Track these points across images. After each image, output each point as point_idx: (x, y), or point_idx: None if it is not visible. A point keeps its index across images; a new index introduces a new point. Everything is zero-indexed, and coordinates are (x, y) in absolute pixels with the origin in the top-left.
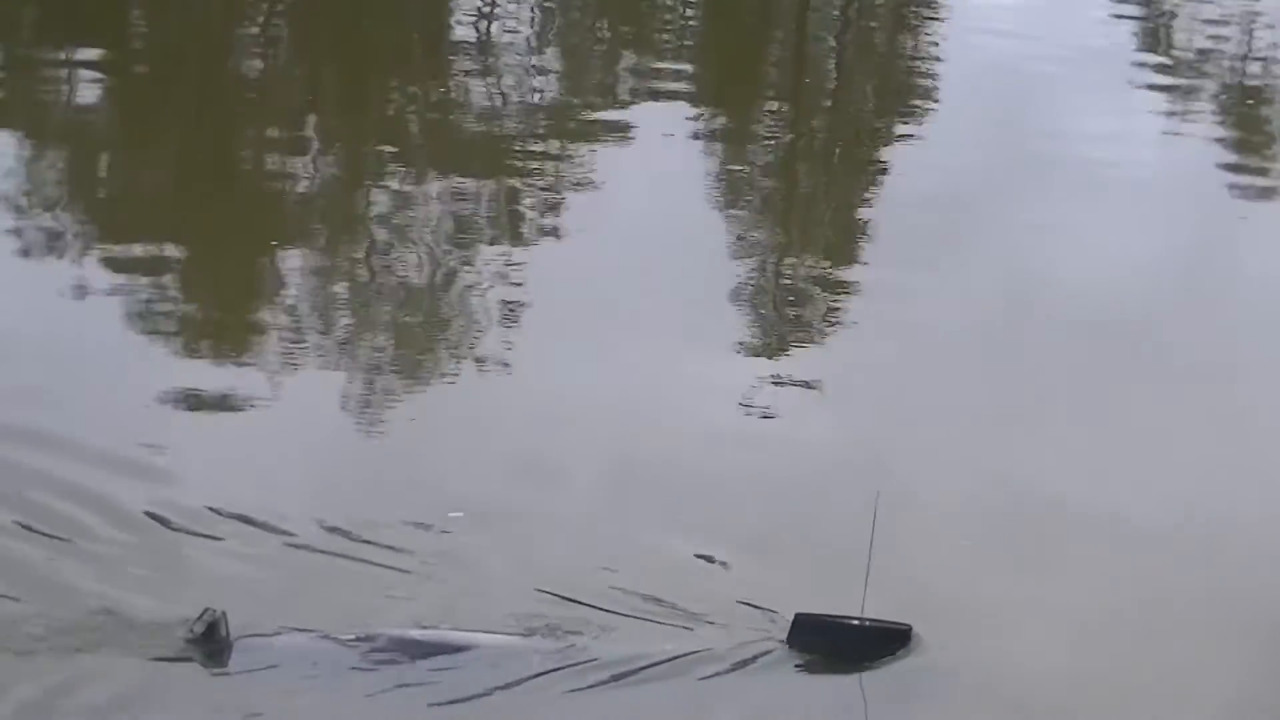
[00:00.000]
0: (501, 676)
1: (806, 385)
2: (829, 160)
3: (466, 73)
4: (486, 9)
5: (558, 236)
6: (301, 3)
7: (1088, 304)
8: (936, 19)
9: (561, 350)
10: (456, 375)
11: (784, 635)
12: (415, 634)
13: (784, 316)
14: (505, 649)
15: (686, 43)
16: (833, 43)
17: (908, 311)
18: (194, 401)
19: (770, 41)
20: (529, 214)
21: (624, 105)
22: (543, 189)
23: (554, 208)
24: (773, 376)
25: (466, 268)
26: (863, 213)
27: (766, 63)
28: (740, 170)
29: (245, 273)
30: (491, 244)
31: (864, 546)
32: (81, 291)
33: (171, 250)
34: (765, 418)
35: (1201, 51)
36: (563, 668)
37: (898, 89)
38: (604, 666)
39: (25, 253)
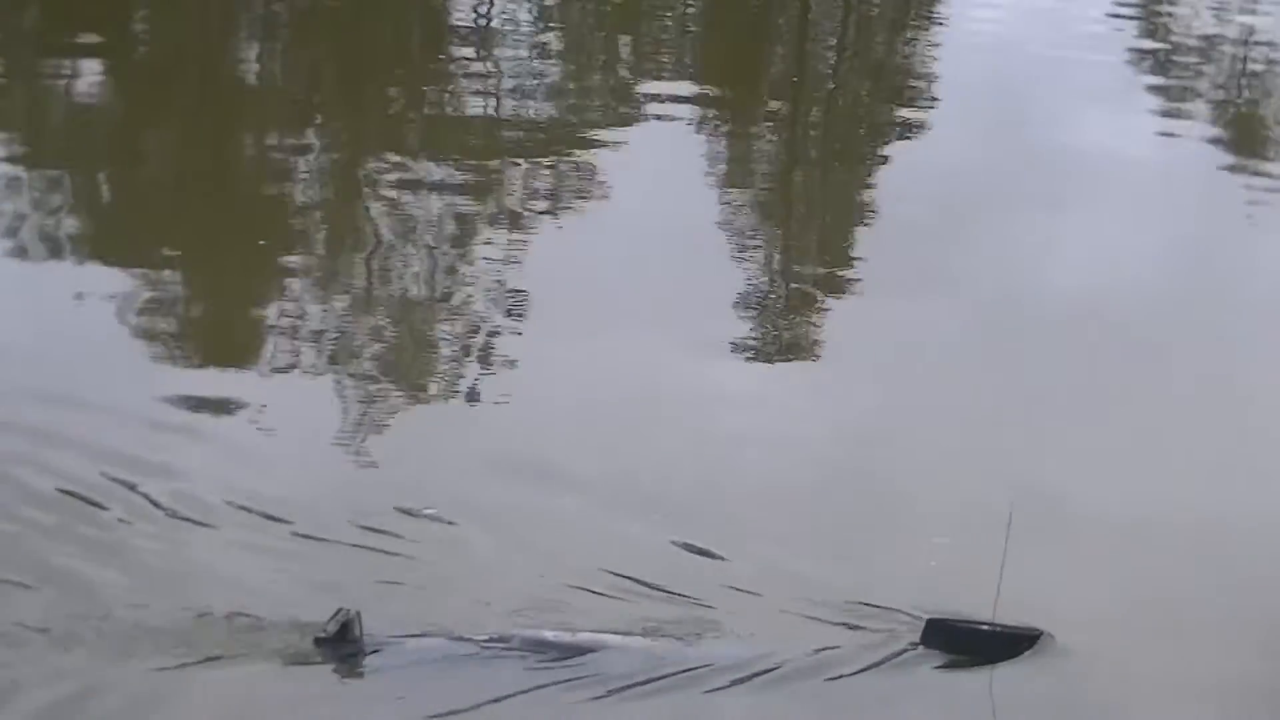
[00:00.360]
0: (634, 677)
1: (806, 382)
2: (828, 160)
3: (465, 70)
4: (485, 8)
5: (557, 235)
6: (301, 4)
7: (1087, 304)
8: (935, 19)
9: (561, 348)
10: (459, 373)
11: (914, 637)
12: (549, 635)
13: (784, 314)
14: (638, 650)
15: (687, 43)
16: (833, 42)
17: (907, 310)
18: (201, 398)
19: (771, 41)
20: (528, 213)
21: (623, 105)
22: (542, 188)
23: (553, 207)
24: (772, 374)
25: (467, 266)
26: (862, 212)
27: (767, 62)
28: (740, 170)
29: (244, 270)
30: (491, 242)
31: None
32: (83, 289)
33: (169, 249)
34: (767, 415)
35: (1201, 48)
36: (696, 668)
37: (897, 89)
38: (737, 666)
39: (26, 253)
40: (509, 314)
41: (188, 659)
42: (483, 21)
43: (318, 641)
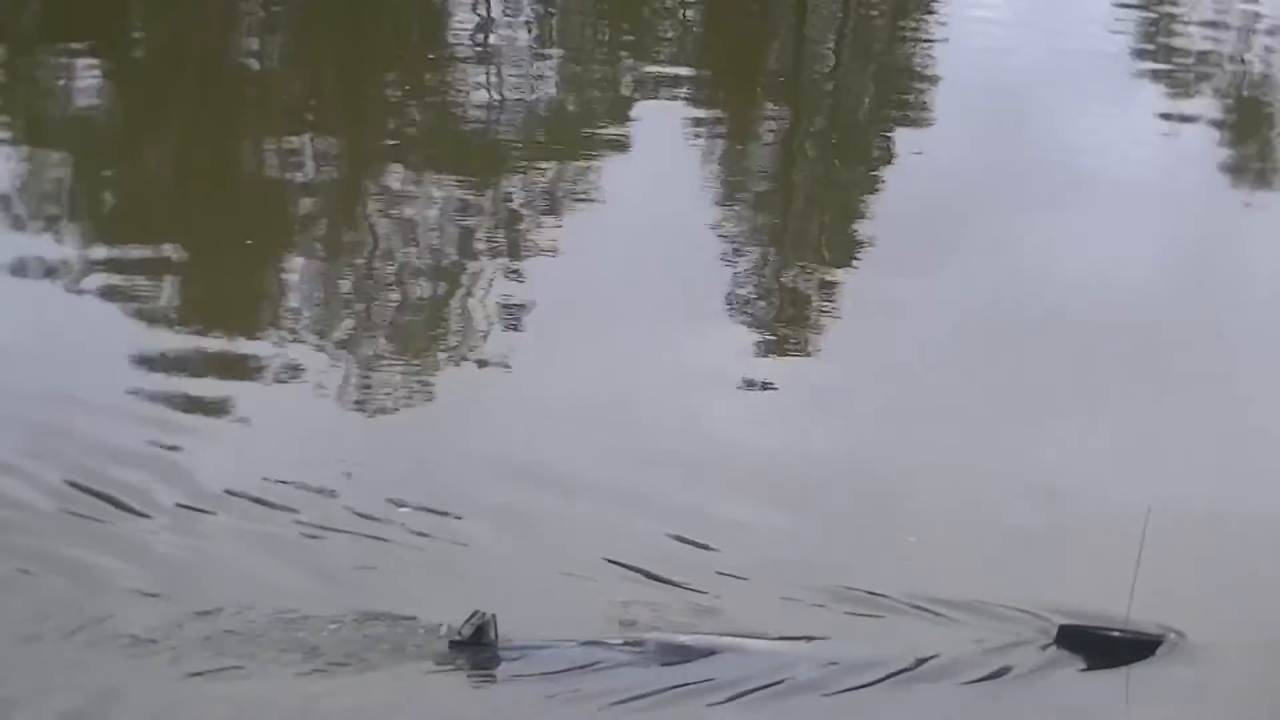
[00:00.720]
0: (769, 679)
1: (805, 380)
2: (827, 160)
3: (465, 68)
4: (484, 9)
5: (556, 235)
6: (300, 4)
7: (1086, 304)
8: (935, 19)
9: (561, 346)
10: (462, 371)
11: (1043, 640)
12: (683, 638)
13: (783, 314)
14: (771, 653)
15: (686, 44)
16: (832, 43)
17: (906, 310)
18: (205, 398)
19: (769, 43)
20: (527, 213)
21: (623, 106)
22: (542, 188)
23: (554, 208)
24: (772, 372)
25: (466, 266)
26: (861, 211)
27: (765, 61)
28: (739, 170)
29: (247, 273)
30: (490, 241)
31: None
32: (86, 285)
33: (170, 250)
34: (768, 412)
35: (1201, 51)
36: (828, 670)
37: (896, 90)
38: (869, 668)
39: (28, 249)
40: (508, 313)
41: (309, 666)
42: (483, 18)
43: (453, 645)
